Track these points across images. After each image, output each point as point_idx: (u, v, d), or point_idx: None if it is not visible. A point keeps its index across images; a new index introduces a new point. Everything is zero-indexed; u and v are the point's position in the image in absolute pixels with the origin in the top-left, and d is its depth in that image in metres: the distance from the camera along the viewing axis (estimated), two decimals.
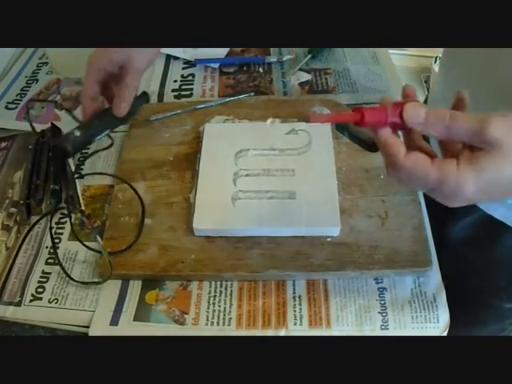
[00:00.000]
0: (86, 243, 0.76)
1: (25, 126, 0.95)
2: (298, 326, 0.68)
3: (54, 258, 0.75)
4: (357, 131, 0.87)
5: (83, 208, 0.78)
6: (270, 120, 0.84)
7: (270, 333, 0.68)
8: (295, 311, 0.70)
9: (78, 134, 0.75)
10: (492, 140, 0.46)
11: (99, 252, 0.73)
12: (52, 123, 0.91)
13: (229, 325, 0.69)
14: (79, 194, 0.79)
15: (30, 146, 0.90)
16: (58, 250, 0.77)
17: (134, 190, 0.81)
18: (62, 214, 0.81)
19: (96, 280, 0.74)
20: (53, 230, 0.79)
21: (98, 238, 0.72)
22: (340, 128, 0.88)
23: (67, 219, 0.80)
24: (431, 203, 0.81)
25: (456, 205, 0.51)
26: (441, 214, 0.91)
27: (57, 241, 0.78)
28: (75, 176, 0.85)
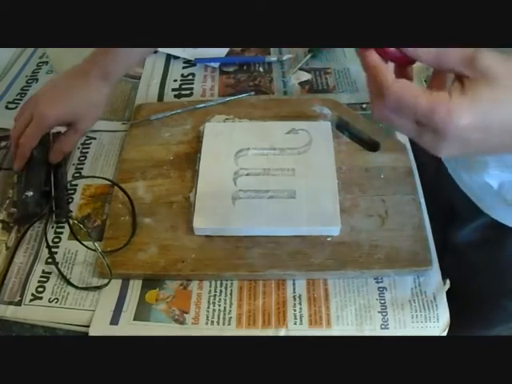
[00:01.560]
0: (86, 243, 0.76)
1: None
2: (298, 326, 0.68)
3: (54, 258, 0.76)
4: (357, 131, 0.88)
5: (72, 214, 0.80)
6: None
7: (270, 332, 0.68)
8: (295, 311, 0.70)
9: (30, 194, 0.79)
10: (485, 67, 0.44)
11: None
12: None
13: (229, 324, 0.69)
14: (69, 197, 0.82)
15: None
16: (58, 250, 0.77)
17: (125, 192, 0.80)
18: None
19: (95, 285, 0.73)
20: (53, 230, 0.80)
21: (96, 244, 0.71)
22: (340, 127, 0.88)
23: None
24: (438, 208, 0.82)
25: (446, 149, 0.46)
26: (447, 218, 0.92)
27: (56, 240, 0.79)
28: (75, 175, 0.86)
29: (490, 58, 0.44)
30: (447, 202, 0.90)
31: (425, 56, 0.47)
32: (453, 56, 0.45)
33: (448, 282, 1.04)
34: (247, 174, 0.80)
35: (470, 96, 0.44)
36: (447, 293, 0.72)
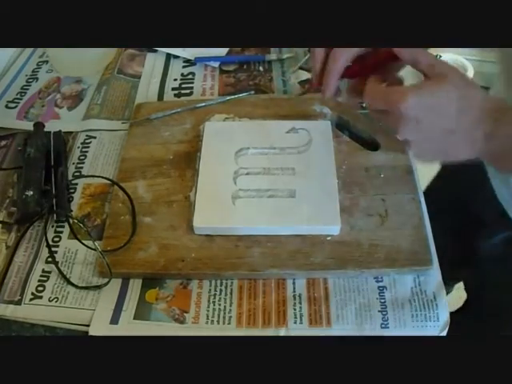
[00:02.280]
0: (86, 242, 0.76)
1: (25, 125, 0.95)
2: (298, 325, 0.68)
3: (54, 257, 0.76)
4: (357, 130, 0.87)
5: (72, 213, 0.80)
6: None
7: (270, 331, 0.68)
8: (295, 310, 0.70)
9: (30, 193, 0.79)
10: (439, 72, 0.58)
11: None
12: (36, 123, 0.91)
13: (229, 323, 0.69)
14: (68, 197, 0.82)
15: (19, 148, 0.90)
16: (58, 249, 0.77)
17: (125, 191, 0.80)
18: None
19: (95, 284, 0.73)
20: (53, 229, 0.80)
21: (95, 243, 0.71)
22: (340, 127, 0.88)
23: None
24: (465, 216, 0.81)
25: (405, 128, 0.59)
26: (472, 231, 0.91)
27: (57, 239, 0.79)
28: (75, 174, 0.86)
29: (444, 66, 0.59)
30: (477, 211, 0.89)
31: (406, 55, 0.60)
32: (424, 59, 0.59)
33: (462, 287, 1.03)
34: (247, 173, 0.81)
35: (418, 86, 0.58)
36: (465, 305, 0.71)
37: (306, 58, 1.03)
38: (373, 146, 0.85)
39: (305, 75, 1.01)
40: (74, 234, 0.77)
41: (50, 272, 0.75)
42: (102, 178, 0.84)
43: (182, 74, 1.05)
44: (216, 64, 1.06)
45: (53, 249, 0.76)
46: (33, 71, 1.09)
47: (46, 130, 0.91)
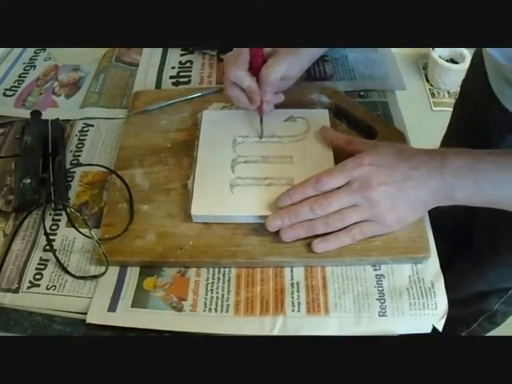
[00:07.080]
0: (83, 230, 0.76)
1: (23, 113, 0.95)
2: (295, 313, 0.68)
3: (51, 246, 0.75)
4: (355, 118, 0.87)
5: (70, 202, 0.80)
6: None
7: (267, 319, 0.68)
8: (293, 298, 0.70)
9: (27, 181, 0.79)
10: (374, 144, 0.76)
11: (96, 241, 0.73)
12: (33, 111, 0.91)
13: (227, 311, 0.69)
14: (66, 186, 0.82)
15: (17, 136, 0.90)
16: (56, 237, 0.77)
17: (122, 179, 0.80)
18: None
19: (92, 273, 0.73)
20: (50, 217, 0.80)
21: (92, 232, 0.71)
22: (338, 115, 0.88)
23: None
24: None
25: (377, 176, 0.68)
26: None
27: (54, 227, 0.79)
28: (73, 162, 0.86)
29: (373, 142, 0.77)
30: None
31: (340, 140, 0.78)
32: (356, 140, 0.78)
33: None
34: (245, 162, 0.80)
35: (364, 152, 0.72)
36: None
37: None
38: (370, 134, 0.85)
39: None
40: (71, 223, 0.76)
41: (47, 260, 0.75)
42: (100, 166, 0.84)
43: (180, 62, 1.05)
44: (214, 52, 1.05)
45: (50, 237, 0.76)
46: (30, 59, 1.09)
47: (43, 117, 0.91)
